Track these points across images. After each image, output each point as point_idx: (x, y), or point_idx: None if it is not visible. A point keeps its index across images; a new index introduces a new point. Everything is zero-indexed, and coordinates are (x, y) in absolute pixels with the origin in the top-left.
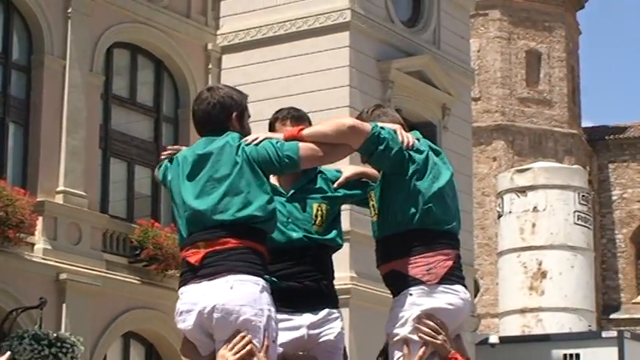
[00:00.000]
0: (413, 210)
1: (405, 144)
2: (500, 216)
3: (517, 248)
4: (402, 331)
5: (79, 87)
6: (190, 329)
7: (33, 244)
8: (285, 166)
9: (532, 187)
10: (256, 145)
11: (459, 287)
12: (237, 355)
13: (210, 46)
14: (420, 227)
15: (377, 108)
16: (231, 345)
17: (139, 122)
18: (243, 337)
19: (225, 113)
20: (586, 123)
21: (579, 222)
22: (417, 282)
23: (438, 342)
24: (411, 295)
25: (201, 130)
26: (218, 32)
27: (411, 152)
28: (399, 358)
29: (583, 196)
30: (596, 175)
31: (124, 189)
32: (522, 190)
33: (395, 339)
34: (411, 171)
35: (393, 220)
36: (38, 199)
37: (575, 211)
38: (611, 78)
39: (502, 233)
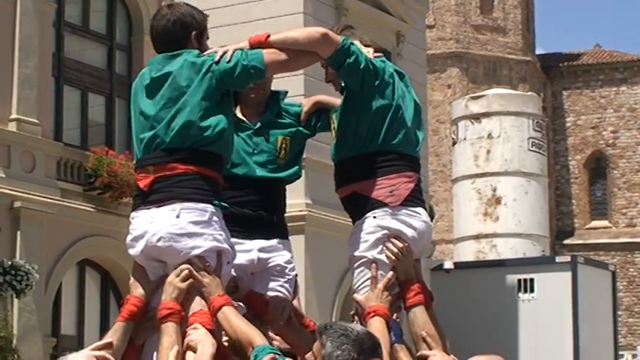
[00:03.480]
0: (376, 130)
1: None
2: (454, 143)
3: (471, 175)
4: (369, 253)
5: (31, 14)
6: (139, 255)
7: None
8: (250, 77)
9: (486, 114)
10: (228, 61)
11: (420, 210)
12: (186, 283)
13: None
14: (382, 149)
15: (346, 28)
16: (177, 271)
17: (92, 50)
18: (189, 264)
19: (185, 31)
20: (540, 50)
21: (533, 148)
22: (380, 204)
23: (403, 264)
24: (374, 217)
25: (159, 46)
26: None
27: (377, 69)
28: (365, 281)
29: (537, 122)
30: (550, 102)
31: (78, 117)
32: (477, 117)
33: (360, 261)
34: (376, 91)
35: (355, 141)
36: None
37: (529, 138)
38: (564, 5)
39: (456, 160)
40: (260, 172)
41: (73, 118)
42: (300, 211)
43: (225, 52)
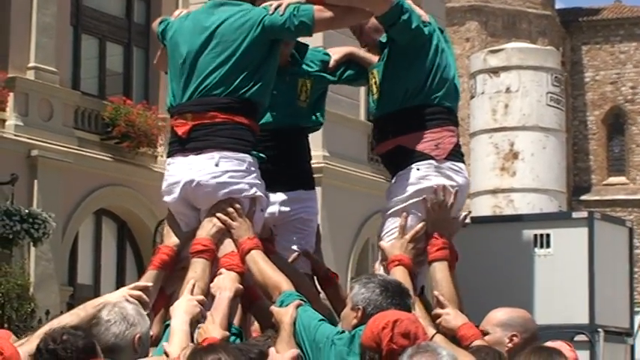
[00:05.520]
0: (422, 84)
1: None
2: (472, 97)
3: (489, 129)
4: (405, 203)
5: None
6: (175, 202)
7: (4, 120)
8: (299, 32)
9: (505, 68)
10: (281, 15)
11: (462, 165)
12: (217, 227)
13: None
14: (427, 102)
15: None
16: (216, 210)
17: None
18: (222, 207)
19: None
20: (559, 5)
21: (552, 103)
22: (426, 156)
23: (437, 217)
24: (418, 169)
25: None
26: None
27: (425, 28)
28: (393, 228)
29: (556, 77)
30: (569, 56)
31: (96, 66)
32: (495, 71)
33: (393, 209)
34: (423, 46)
35: (401, 96)
36: (9, 75)
37: (547, 93)
38: None
39: (474, 114)
40: (279, 116)
41: (91, 67)
42: (317, 163)
43: (279, 5)
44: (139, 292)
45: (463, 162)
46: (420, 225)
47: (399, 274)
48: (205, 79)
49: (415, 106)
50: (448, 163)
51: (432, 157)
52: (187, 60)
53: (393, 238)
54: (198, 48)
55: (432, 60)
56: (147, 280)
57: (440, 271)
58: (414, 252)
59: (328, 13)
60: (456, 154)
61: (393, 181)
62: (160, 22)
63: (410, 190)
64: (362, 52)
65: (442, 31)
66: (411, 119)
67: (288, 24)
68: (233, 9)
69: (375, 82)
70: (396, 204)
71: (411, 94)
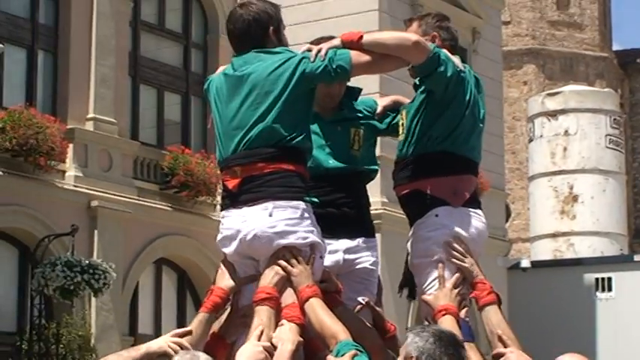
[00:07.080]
0: (447, 134)
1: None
2: (531, 140)
3: (548, 172)
4: (434, 252)
5: (108, 13)
6: (232, 254)
7: (64, 172)
8: (338, 76)
9: (563, 111)
10: (322, 60)
11: (480, 211)
12: (279, 275)
13: None
14: (448, 151)
15: (442, 20)
16: (277, 258)
17: (168, 49)
18: (283, 255)
19: (262, 29)
20: (617, 46)
21: (611, 145)
22: (443, 203)
23: (466, 265)
24: (437, 216)
25: (239, 47)
26: None
27: (461, 78)
28: (432, 280)
29: (615, 119)
30: (628, 98)
31: (154, 116)
32: (553, 114)
33: (426, 261)
34: (456, 98)
35: (425, 142)
36: (68, 127)
37: (606, 135)
38: None
39: (533, 157)
40: (334, 164)
41: (150, 116)
42: (376, 209)
43: (319, 51)
44: (180, 340)
45: (480, 209)
46: (458, 274)
47: (447, 323)
48: (249, 132)
49: (436, 152)
50: (465, 210)
51: (448, 204)
52: (229, 114)
53: (434, 290)
54: (237, 101)
55: (462, 112)
56: (200, 323)
57: (495, 313)
58: (459, 299)
59: (365, 57)
60: (473, 202)
61: (412, 230)
62: (205, 81)
63: (433, 237)
64: (407, 101)
65: (478, 80)
66: (431, 165)
67: (328, 69)
68: (269, 58)
69: (403, 124)
70: (425, 257)
71: (434, 142)
